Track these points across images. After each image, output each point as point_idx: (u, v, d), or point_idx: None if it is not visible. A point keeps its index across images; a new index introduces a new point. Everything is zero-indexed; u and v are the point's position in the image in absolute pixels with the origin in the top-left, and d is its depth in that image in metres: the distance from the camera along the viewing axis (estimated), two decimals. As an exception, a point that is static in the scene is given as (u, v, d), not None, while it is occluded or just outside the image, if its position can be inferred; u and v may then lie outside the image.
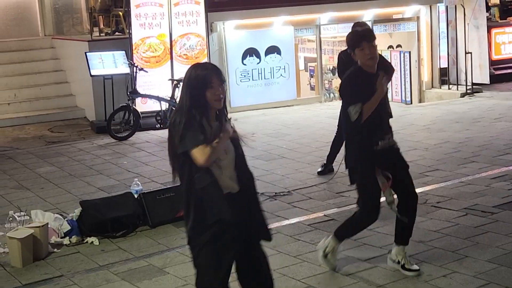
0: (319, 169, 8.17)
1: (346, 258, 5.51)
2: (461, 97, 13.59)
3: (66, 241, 6.16)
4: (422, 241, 5.78)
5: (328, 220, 6.48)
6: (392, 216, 6.48)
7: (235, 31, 12.91)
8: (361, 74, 5.05)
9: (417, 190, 7.18)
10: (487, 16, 14.55)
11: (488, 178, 7.65)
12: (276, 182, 7.86)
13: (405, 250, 5.18)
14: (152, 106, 11.43)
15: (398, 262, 5.16)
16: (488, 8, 14.98)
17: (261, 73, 13.12)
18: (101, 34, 13.46)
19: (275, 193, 7.44)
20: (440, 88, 14.39)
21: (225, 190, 3.70)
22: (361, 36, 5.05)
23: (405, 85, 13.38)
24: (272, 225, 6.42)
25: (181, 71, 11.53)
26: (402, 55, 13.50)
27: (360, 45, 4.99)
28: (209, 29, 12.36)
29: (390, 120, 5.20)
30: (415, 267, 5.15)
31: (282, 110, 12.76)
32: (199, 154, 3.57)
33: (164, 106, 11.10)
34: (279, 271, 5.32)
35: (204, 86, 3.66)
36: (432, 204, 6.80)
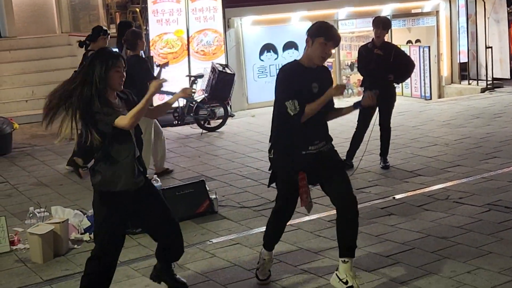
0: (339, 165, 8.08)
1: (368, 254, 5.45)
2: (481, 92, 13.46)
3: (86, 237, 6.15)
4: (445, 237, 5.71)
5: (349, 216, 6.41)
6: (415, 212, 6.44)
7: (253, 27, 12.86)
8: (299, 68, 4.69)
9: (439, 186, 7.25)
10: (508, 10, 14.38)
11: (510, 173, 7.56)
12: (295, 178, 7.80)
13: (351, 267, 4.70)
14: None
15: (345, 283, 4.66)
16: (509, 2, 14.80)
17: (278, 69, 13.05)
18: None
19: (295, 189, 7.38)
20: (460, 83, 14.27)
21: None
22: (333, 35, 4.64)
23: (424, 80, 13.28)
24: (292, 221, 6.37)
25: (198, 67, 11.52)
26: (421, 50, 13.41)
27: (327, 40, 4.60)
28: (226, 25, 12.32)
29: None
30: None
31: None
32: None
33: (182, 102, 11.08)
34: (301, 267, 5.28)
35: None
36: (454, 200, 6.72)
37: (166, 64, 8.65)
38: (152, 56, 10.04)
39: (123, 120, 4.23)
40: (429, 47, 13.53)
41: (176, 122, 11.21)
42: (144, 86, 6.66)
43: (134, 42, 7.73)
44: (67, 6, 14.80)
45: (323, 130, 4.81)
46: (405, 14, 14.13)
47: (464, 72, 14.20)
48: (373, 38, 8.04)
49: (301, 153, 4.68)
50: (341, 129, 10.19)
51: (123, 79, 4.40)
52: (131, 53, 7.83)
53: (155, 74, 8.25)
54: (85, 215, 6.38)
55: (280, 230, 5.00)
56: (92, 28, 8.72)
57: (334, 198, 4.71)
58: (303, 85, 4.61)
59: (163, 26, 11.62)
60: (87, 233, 6.20)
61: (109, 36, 8.58)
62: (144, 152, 5.11)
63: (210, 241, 5.95)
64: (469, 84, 14.00)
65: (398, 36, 13.77)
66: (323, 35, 4.60)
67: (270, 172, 4.86)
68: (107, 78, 4.31)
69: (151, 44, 11.50)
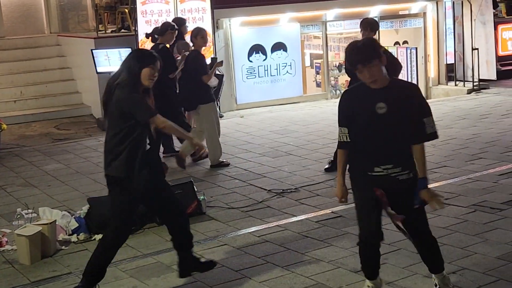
0: (326, 166, 8.15)
1: (355, 255, 5.48)
2: (468, 93, 13.55)
3: (74, 238, 6.16)
4: (431, 238, 5.76)
5: (336, 217, 6.46)
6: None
7: (241, 28, 12.89)
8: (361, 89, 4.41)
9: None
10: (494, 12, 14.48)
11: (496, 174, 7.62)
12: (283, 179, 7.85)
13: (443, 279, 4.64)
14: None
15: None
16: (495, 4, 14.91)
17: (267, 70, 13.10)
18: (107, 31, 13.44)
19: (283, 190, 7.43)
20: (447, 84, 14.35)
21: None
22: (350, 56, 4.28)
23: (411, 81, 13.34)
24: (280, 222, 6.42)
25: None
26: (408, 51, 13.47)
27: (353, 65, 4.28)
28: (215, 26, 12.34)
29: None
30: None
31: (288, 107, 12.74)
32: None
33: (170, 103, 11.08)
34: (288, 268, 5.31)
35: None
36: (440, 201, 6.76)
37: (220, 63, 9.14)
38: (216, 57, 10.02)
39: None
40: (416, 48, 13.60)
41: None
42: (200, 80, 8.23)
43: (191, 39, 8.55)
44: (56, 6, 14.76)
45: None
46: (393, 16, 14.21)
47: (451, 73, 14.28)
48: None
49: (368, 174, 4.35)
50: (328, 130, 10.24)
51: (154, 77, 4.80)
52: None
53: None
54: (73, 216, 6.39)
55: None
56: (162, 23, 9.36)
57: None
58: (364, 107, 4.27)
59: (152, 27, 11.60)
60: (75, 234, 6.21)
61: (176, 31, 9.03)
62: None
63: (198, 242, 5.97)
64: (455, 85, 14.09)
65: (385, 37, 13.84)
66: (348, 62, 4.27)
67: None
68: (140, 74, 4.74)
69: (140, 45, 11.49)
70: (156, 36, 9.03)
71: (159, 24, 11.54)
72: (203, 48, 8.75)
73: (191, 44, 8.79)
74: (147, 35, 9.55)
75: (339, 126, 4.41)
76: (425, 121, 4.26)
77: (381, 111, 4.18)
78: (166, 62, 7.58)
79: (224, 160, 8.64)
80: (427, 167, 4.29)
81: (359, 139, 4.31)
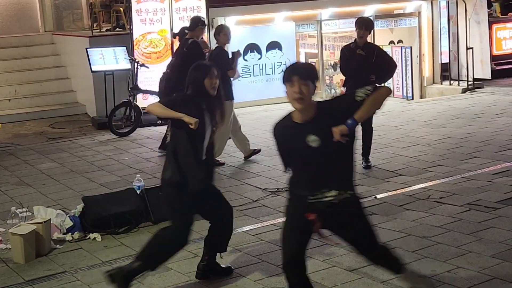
0: (321, 165, 8.14)
1: (350, 254, 5.50)
2: (462, 92, 13.57)
3: (68, 237, 6.15)
4: (426, 237, 5.78)
5: (330, 216, 6.46)
6: (396, 211, 6.50)
7: (236, 27, 12.86)
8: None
9: (420, 186, 7.33)
10: (488, 12, 14.52)
11: (490, 173, 7.64)
12: (278, 178, 7.84)
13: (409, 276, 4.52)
14: (153, 102, 11.39)
15: None
16: (489, 4, 14.95)
17: (262, 69, 13.11)
18: (102, 30, 13.43)
19: (277, 189, 7.43)
20: (441, 83, 14.37)
21: None
22: (288, 73, 4.09)
23: (406, 80, 13.37)
24: (274, 221, 6.43)
25: (182, 67, 11.51)
26: (403, 50, 13.49)
27: (286, 81, 4.11)
28: (210, 24, 12.32)
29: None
30: None
31: (283, 106, 12.67)
32: None
33: (165, 102, 11.07)
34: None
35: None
36: (435, 200, 6.79)
37: (239, 54, 9.09)
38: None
39: None
40: (411, 47, 13.62)
41: (160, 121, 11.21)
42: (225, 74, 8.06)
43: (214, 36, 8.83)
44: (50, 5, 14.72)
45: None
46: (388, 15, 14.22)
47: (445, 72, 14.30)
48: (355, 39, 8.10)
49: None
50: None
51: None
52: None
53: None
54: (68, 215, 6.38)
55: None
56: (191, 18, 9.33)
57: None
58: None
59: (146, 26, 11.62)
60: (70, 233, 6.20)
61: (205, 27, 9.20)
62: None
63: (193, 241, 5.95)
64: (450, 84, 14.11)
65: (380, 36, 13.86)
66: (284, 79, 4.07)
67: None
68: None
69: (134, 43, 11.49)
70: (186, 30, 9.08)
71: (156, 23, 11.61)
72: (226, 44, 8.87)
73: (214, 41, 8.93)
74: (174, 35, 9.63)
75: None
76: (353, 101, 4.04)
77: (314, 144, 3.99)
78: (196, 57, 7.63)
79: (219, 160, 8.64)
80: (365, 115, 4.01)
81: (294, 169, 4.21)
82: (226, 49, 8.91)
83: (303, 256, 4.23)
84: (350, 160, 4.20)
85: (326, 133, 3.95)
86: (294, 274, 4.22)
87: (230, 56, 8.80)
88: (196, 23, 8.93)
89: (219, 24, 9.13)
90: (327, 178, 4.08)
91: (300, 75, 3.99)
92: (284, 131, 4.16)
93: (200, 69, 4.96)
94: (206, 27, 9.21)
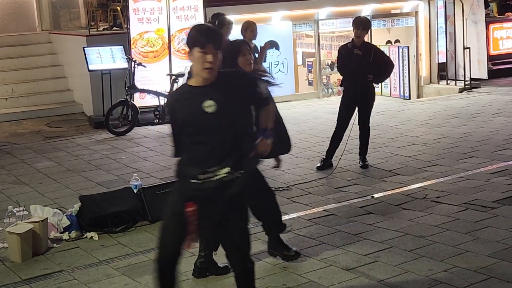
0: (319, 164, 8.16)
1: (347, 253, 5.50)
2: (459, 92, 13.59)
3: (65, 236, 6.14)
4: (423, 236, 5.78)
5: (327, 215, 6.47)
6: (393, 211, 6.51)
7: (234, 26, 12.84)
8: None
9: (417, 185, 7.33)
10: (485, 12, 14.53)
11: (487, 173, 7.65)
12: (275, 177, 7.84)
13: None
14: (150, 101, 11.42)
15: None
16: (486, 4, 14.96)
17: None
18: (99, 29, 13.41)
19: (275, 188, 7.39)
20: (439, 83, 14.39)
21: None
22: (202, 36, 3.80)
23: (403, 80, 13.38)
24: (272, 220, 6.42)
25: (179, 66, 11.51)
26: (400, 50, 13.50)
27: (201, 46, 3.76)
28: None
29: None
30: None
31: (280, 105, 12.52)
32: None
33: (163, 101, 11.07)
34: (280, 265, 5.32)
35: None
36: (432, 199, 6.80)
37: (268, 46, 9.19)
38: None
39: None
40: (408, 47, 13.63)
41: (157, 120, 11.21)
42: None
43: (241, 32, 8.79)
44: (47, 4, 14.69)
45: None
46: (385, 15, 14.23)
47: (442, 72, 14.32)
48: (353, 38, 8.10)
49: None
50: (320, 128, 10.26)
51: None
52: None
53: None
54: (65, 214, 6.36)
55: None
56: (219, 18, 9.39)
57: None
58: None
59: (144, 25, 11.60)
60: (67, 232, 6.19)
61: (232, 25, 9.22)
62: None
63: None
64: (447, 84, 14.13)
65: (377, 36, 13.87)
66: (194, 43, 3.76)
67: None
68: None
69: (132, 42, 11.48)
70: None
71: (153, 23, 11.60)
72: (253, 41, 8.89)
73: (241, 37, 8.90)
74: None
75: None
76: (259, 91, 3.99)
77: (210, 109, 3.75)
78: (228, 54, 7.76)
79: None
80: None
81: (185, 145, 3.88)
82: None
83: (179, 255, 4.02)
84: (245, 138, 3.91)
85: (224, 99, 3.77)
86: (167, 273, 4.01)
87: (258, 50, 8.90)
88: (223, 22, 8.94)
89: (245, 20, 9.18)
90: (221, 153, 3.80)
91: (215, 44, 3.74)
92: (179, 96, 3.95)
93: (232, 48, 4.88)
94: (232, 24, 9.15)
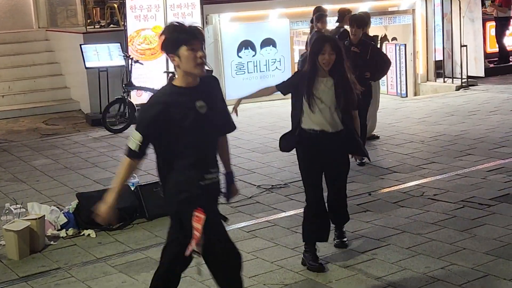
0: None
1: (344, 250, 5.51)
2: (456, 90, 13.59)
3: (62, 233, 6.14)
4: (420, 233, 5.79)
5: (325, 213, 6.47)
6: (391, 208, 6.52)
7: (231, 24, 12.87)
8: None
9: (414, 183, 7.34)
10: (482, 10, 14.54)
11: (484, 170, 7.66)
12: (272, 175, 7.85)
13: None
14: (147, 98, 11.36)
15: None
16: (483, 2, 14.97)
17: (256, 66, 13.10)
18: (96, 26, 13.40)
19: (272, 185, 7.44)
20: (435, 81, 14.38)
21: None
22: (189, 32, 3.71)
23: (400, 78, 13.38)
24: (269, 218, 6.43)
25: (176, 64, 11.49)
26: (397, 48, 13.50)
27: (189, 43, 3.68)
28: (205, 21, 12.32)
29: None
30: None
31: (278, 103, 12.71)
32: None
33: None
34: (277, 263, 5.32)
35: None
36: (429, 197, 6.81)
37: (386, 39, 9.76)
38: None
39: None
40: (405, 45, 13.63)
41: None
42: None
43: (314, 23, 9.98)
44: (44, 1, 14.68)
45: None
46: (382, 12, 14.21)
47: (439, 70, 14.32)
48: (349, 36, 8.11)
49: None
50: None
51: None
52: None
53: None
54: (62, 211, 6.36)
55: None
56: (339, 10, 10.40)
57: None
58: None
59: (141, 22, 11.58)
60: (64, 230, 6.19)
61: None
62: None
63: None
64: (444, 82, 14.13)
65: (374, 34, 13.83)
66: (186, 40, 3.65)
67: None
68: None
69: (129, 40, 11.46)
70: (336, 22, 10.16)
71: (150, 20, 11.59)
72: (323, 30, 9.84)
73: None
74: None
75: (136, 130, 3.78)
76: (228, 111, 4.00)
77: (201, 110, 3.71)
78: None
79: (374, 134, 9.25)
80: None
81: (182, 148, 3.76)
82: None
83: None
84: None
85: (210, 99, 3.76)
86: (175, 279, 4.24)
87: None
88: (344, 13, 9.93)
89: (318, 12, 10.38)
90: (214, 153, 3.90)
91: (200, 38, 3.66)
92: (169, 98, 3.70)
93: (315, 46, 5.14)
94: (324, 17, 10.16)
